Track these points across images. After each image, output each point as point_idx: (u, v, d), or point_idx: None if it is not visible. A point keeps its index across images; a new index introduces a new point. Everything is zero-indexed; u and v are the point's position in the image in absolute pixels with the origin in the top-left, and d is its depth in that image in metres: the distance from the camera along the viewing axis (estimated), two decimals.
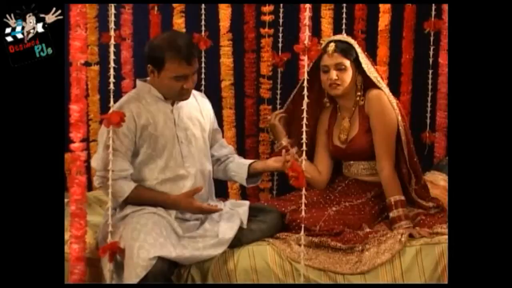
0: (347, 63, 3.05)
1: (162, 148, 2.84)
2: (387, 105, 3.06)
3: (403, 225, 2.93)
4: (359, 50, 3.09)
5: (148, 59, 2.83)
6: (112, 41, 2.56)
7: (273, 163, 3.06)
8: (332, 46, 3.05)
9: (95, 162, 2.81)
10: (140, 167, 2.86)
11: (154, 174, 2.86)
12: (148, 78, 2.91)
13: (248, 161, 3.12)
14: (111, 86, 2.55)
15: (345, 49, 3.05)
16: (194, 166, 2.91)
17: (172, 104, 2.89)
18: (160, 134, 2.84)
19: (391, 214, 2.98)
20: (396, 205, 2.98)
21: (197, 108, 3.00)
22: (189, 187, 2.88)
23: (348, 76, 3.05)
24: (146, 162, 2.85)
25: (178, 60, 2.75)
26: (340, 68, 3.04)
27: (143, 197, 2.82)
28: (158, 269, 2.61)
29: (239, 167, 3.10)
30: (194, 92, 3.00)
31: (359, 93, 3.09)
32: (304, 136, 2.52)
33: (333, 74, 3.04)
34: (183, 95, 2.85)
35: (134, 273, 2.59)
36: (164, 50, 2.76)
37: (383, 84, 3.11)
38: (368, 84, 3.10)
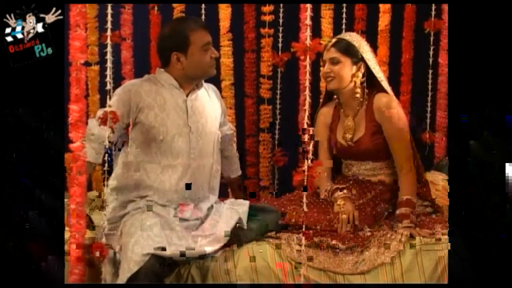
0: (342, 58, 3.05)
1: (166, 134, 2.84)
2: (398, 109, 3.05)
3: (407, 223, 2.92)
4: (365, 49, 3.09)
5: (169, 49, 2.86)
6: (109, 41, 2.53)
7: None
8: (330, 42, 3.09)
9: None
10: (143, 147, 2.84)
11: (157, 158, 2.84)
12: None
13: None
14: (108, 86, 2.54)
15: (341, 45, 3.06)
16: (199, 158, 2.90)
17: (187, 95, 2.91)
18: (167, 117, 2.84)
19: (398, 211, 2.98)
20: (407, 204, 2.96)
21: (209, 102, 3.02)
22: (187, 178, 2.87)
23: (342, 70, 3.05)
24: (148, 143, 2.84)
25: (198, 29, 2.86)
26: (333, 62, 3.06)
27: None
28: (150, 266, 2.60)
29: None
30: (205, 84, 3.03)
31: (357, 90, 3.07)
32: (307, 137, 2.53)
33: (326, 67, 3.07)
34: (212, 67, 2.92)
35: (127, 267, 2.59)
36: (183, 28, 2.85)
37: (386, 84, 3.10)
38: (373, 84, 3.09)
